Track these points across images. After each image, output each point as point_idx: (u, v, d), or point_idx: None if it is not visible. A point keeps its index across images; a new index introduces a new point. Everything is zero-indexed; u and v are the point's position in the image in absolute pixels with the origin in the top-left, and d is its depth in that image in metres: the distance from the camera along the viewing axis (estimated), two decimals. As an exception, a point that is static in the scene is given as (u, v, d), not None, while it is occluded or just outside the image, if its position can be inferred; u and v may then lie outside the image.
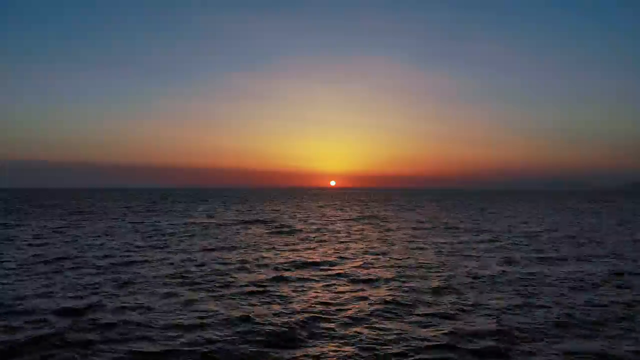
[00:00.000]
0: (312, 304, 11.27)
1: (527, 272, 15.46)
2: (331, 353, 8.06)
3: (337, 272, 15.55)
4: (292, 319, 9.84)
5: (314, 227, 32.97)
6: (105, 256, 18.51)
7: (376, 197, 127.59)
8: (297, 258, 18.42)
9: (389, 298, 11.72)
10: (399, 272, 15.48)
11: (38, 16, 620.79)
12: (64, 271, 15.26)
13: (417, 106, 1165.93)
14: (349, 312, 10.48)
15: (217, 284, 13.36)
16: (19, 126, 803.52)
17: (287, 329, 9.20)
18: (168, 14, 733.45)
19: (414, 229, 31.66)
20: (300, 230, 30.20)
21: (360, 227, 33.59)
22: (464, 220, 39.35)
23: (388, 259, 18.34)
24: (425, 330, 9.29)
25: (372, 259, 18.25)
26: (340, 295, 12.27)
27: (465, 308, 10.89)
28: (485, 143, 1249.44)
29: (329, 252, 20.45)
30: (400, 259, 18.16)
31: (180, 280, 13.95)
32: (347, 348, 8.28)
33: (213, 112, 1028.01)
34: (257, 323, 9.54)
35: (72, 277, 14.25)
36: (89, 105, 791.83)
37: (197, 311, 10.48)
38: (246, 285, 13.27)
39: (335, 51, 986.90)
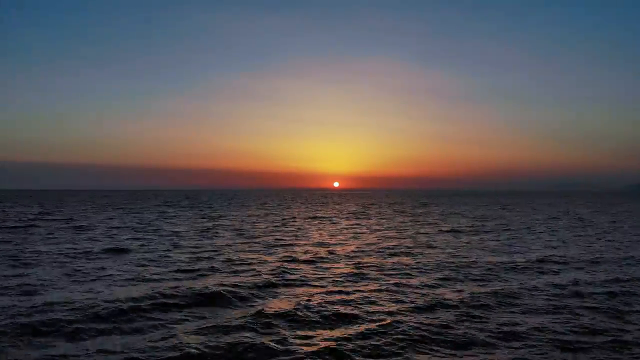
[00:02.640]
0: None
1: None
2: None
3: None
4: None
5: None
6: None
7: (406, 201, 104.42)
8: None
9: None
10: None
11: (38, 16, 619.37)
12: None
13: (418, 106, 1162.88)
14: None
15: None
16: (19, 127, 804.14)
17: None
18: (168, 13, 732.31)
19: None
20: None
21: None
22: None
23: None
24: None
25: None
26: None
27: None
28: (488, 144, 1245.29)
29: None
30: None
31: None
32: None
33: (213, 112, 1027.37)
34: None
35: None
36: (89, 105, 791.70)
37: None
38: None
39: (336, 51, 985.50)
